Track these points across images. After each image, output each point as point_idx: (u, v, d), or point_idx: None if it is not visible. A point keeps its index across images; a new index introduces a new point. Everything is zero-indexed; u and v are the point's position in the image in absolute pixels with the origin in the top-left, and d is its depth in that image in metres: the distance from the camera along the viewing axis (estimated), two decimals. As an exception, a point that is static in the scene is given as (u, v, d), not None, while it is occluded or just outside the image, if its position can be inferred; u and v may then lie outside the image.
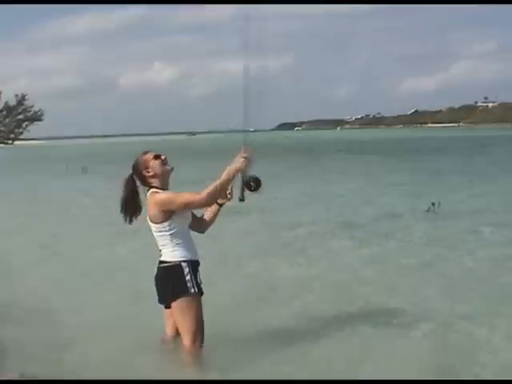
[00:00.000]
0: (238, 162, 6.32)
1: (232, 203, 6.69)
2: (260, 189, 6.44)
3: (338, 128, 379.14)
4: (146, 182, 6.52)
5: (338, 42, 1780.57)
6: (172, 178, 6.63)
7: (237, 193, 6.54)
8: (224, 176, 6.32)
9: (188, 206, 6.40)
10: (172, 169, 6.60)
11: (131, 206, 6.60)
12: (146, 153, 6.62)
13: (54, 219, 18.27)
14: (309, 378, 6.24)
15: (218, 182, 6.30)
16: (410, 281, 9.99)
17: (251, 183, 6.42)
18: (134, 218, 6.64)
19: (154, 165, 6.50)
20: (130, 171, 6.62)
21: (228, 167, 6.33)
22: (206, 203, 6.43)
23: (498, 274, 10.20)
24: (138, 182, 6.58)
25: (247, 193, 6.50)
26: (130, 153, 6.79)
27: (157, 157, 6.54)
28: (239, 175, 6.40)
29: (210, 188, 6.28)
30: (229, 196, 6.60)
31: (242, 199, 6.53)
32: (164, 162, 6.55)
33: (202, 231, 6.88)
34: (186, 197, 6.34)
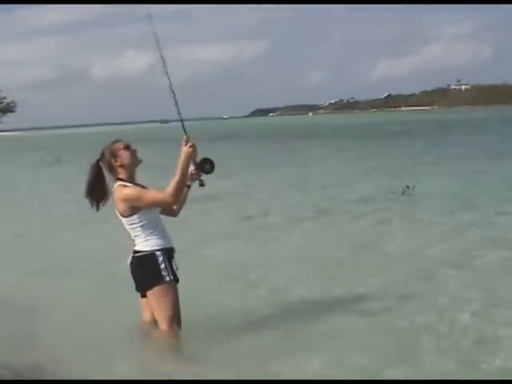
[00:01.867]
0: (186, 151, 6.29)
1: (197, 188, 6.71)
2: (214, 169, 6.51)
3: (310, 113, 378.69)
4: (113, 171, 6.48)
5: (312, 27, 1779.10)
6: (147, 165, 6.64)
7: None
8: (179, 170, 6.26)
9: (154, 205, 6.40)
10: (140, 161, 6.57)
11: (97, 192, 6.54)
12: (116, 142, 6.58)
13: (27, 210, 18.18)
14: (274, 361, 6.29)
15: (176, 179, 6.25)
16: (380, 262, 10.10)
17: (206, 166, 6.50)
18: (101, 205, 6.58)
19: (124, 155, 6.45)
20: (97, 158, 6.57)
21: (180, 160, 6.27)
22: (173, 201, 6.36)
23: (467, 254, 10.31)
24: (104, 170, 6.55)
25: (205, 176, 6.55)
26: (103, 142, 6.75)
27: (127, 147, 6.51)
28: (191, 164, 6.43)
29: (171, 186, 6.24)
30: (195, 176, 6.59)
31: (202, 184, 6.59)
32: (133, 154, 6.53)
33: (173, 215, 6.86)
34: (151, 196, 6.32)
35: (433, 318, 7.38)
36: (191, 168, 6.50)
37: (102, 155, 6.54)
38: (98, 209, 6.61)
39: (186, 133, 6.43)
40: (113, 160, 6.45)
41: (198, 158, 6.49)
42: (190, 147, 6.30)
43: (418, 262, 10.08)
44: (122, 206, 6.34)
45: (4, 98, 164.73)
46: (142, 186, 6.47)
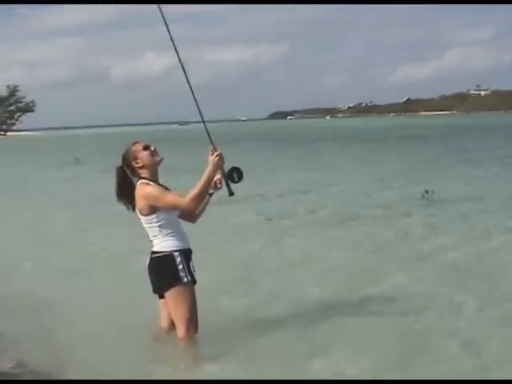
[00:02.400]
0: (213, 161, 6.38)
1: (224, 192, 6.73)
2: (243, 177, 6.57)
3: (328, 117, 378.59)
4: (135, 172, 6.52)
5: (332, 30, 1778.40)
6: (165, 167, 6.63)
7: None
8: (204, 178, 6.36)
9: (173, 208, 6.41)
10: (161, 159, 6.58)
11: (127, 194, 6.56)
12: (135, 143, 6.60)
13: (45, 210, 18.22)
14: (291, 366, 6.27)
15: (199, 186, 6.34)
16: (400, 267, 10.01)
17: (234, 175, 6.55)
18: (134, 205, 6.56)
19: (143, 156, 6.48)
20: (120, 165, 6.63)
21: (207, 169, 6.38)
22: (192, 207, 6.42)
23: (486, 259, 10.26)
24: (129, 173, 6.57)
25: (233, 185, 6.59)
26: (122, 143, 6.78)
27: (146, 148, 6.52)
28: (219, 173, 6.50)
29: (193, 192, 6.31)
30: (218, 186, 6.62)
31: (231, 193, 6.62)
32: (153, 153, 6.53)
33: (192, 221, 6.86)
34: (171, 199, 6.35)
35: (447, 322, 7.37)
36: (217, 176, 6.53)
37: (123, 159, 6.58)
38: (133, 209, 6.59)
39: (212, 142, 6.49)
40: (133, 162, 6.49)
41: (226, 167, 6.53)
42: (216, 156, 6.37)
43: (435, 266, 10.02)
44: (141, 204, 6.36)
45: (23, 97, 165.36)
46: (166, 188, 6.49)
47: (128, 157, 6.53)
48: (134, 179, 6.56)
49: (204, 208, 6.79)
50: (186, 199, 6.31)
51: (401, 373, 6.03)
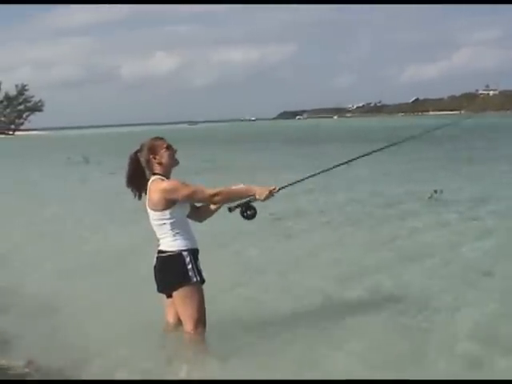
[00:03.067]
0: (264, 193, 6.50)
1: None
2: (252, 219, 6.66)
3: (335, 117, 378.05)
4: (150, 166, 6.51)
5: (341, 30, 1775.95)
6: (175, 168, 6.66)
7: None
8: (240, 190, 6.56)
9: (192, 197, 6.43)
10: (178, 163, 6.62)
11: (136, 182, 6.56)
12: (158, 139, 6.62)
13: (55, 209, 18.25)
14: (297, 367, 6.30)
15: (230, 191, 6.50)
16: (412, 267, 10.00)
17: (249, 212, 6.63)
18: (142, 194, 6.57)
19: (164, 154, 6.50)
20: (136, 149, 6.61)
21: (251, 188, 6.55)
22: (211, 199, 6.49)
23: (495, 259, 10.27)
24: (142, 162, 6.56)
25: (237, 213, 6.64)
26: (130, 142, 6.82)
27: (169, 147, 6.55)
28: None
29: (220, 191, 6.43)
30: (238, 207, 6.71)
31: (230, 210, 6.69)
32: (173, 154, 6.57)
33: (199, 221, 6.87)
34: (191, 189, 6.38)
35: (454, 321, 7.41)
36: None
37: (142, 149, 6.57)
38: (140, 198, 6.60)
39: (279, 189, 6.65)
40: (151, 156, 6.49)
41: (248, 200, 6.59)
42: (270, 192, 6.52)
43: (442, 266, 10.04)
44: (157, 198, 6.34)
45: (32, 96, 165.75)
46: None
47: (148, 149, 6.52)
48: (147, 172, 6.55)
49: (214, 212, 6.82)
50: (209, 191, 6.40)
51: (404, 372, 6.04)
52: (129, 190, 6.64)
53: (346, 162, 7.43)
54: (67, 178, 28.30)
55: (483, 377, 5.96)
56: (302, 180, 7.12)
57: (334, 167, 7.25)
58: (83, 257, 11.40)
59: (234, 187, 6.57)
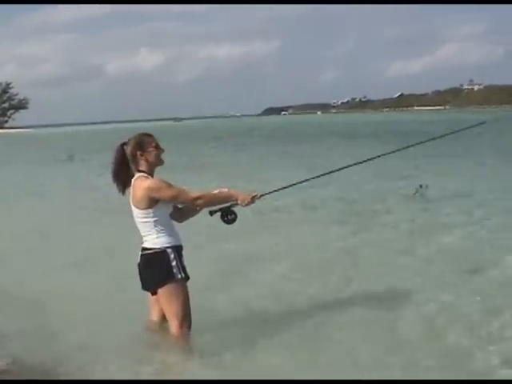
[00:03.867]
0: (246, 198, 6.56)
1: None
2: (232, 223, 6.70)
3: (319, 112, 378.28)
4: (135, 161, 6.46)
5: (326, 25, 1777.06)
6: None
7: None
8: (221, 196, 6.57)
9: (175, 199, 6.42)
10: (163, 163, 6.58)
11: (122, 176, 6.52)
12: (147, 135, 6.58)
13: (39, 207, 18.22)
14: (293, 365, 6.30)
15: (213, 196, 6.52)
16: (396, 263, 10.03)
17: (229, 217, 6.67)
18: (126, 189, 6.52)
19: (152, 152, 6.46)
20: (123, 141, 6.57)
21: (234, 193, 6.59)
22: (194, 202, 6.48)
23: (482, 256, 10.25)
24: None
25: (217, 216, 6.66)
26: (115, 139, 6.77)
27: (157, 147, 6.51)
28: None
29: (203, 194, 6.45)
30: (218, 211, 6.71)
31: (211, 214, 6.70)
32: (160, 154, 6.53)
33: (179, 221, 6.80)
34: (175, 190, 6.36)
35: (446, 318, 7.38)
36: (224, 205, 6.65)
37: (128, 142, 6.52)
38: (123, 193, 6.56)
39: (261, 195, 6.73)
40: (139, 152, 6.44)
41: (229, 205, 6.62)
42: (252, 199, 6.60)
43: (432, 262, 10.05)
44: (140, 196, 6.31)
45: (16, 94, 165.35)
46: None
47: (137, 143, 6.47)
48: (131, 166, 6.49)
49: (195, 214, 6.82)
50: (192, 194, 6.41)
51: (401, 371, 6.05)
52: (112, 186, 6.62)
53: (338, 170, 7.58)
54: (51, 176, 28.19)
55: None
56: (285, 188, 7.24)
57: (316, 177, 7.34)
58: (68, 253, 11.39)
59: (216, 191, 6.56)
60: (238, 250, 11.09)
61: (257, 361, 6.38)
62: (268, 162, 31.56)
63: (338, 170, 7.39)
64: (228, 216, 6.65)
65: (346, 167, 7.44)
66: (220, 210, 6.64)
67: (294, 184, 7.20)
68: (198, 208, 6.67)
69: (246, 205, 6.57)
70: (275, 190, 7.06)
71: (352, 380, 5.89)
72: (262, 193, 6.76)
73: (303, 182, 7.39)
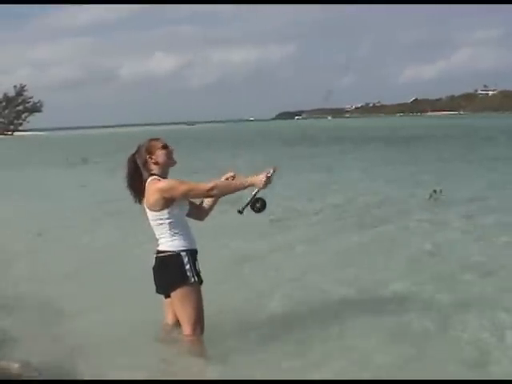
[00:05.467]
0: (261, 180, 6.33)
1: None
2: (263, 211, 6.47)
3: (329, 117, 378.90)
4: (147, 166, 6.47)
5: (340, 30, 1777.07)
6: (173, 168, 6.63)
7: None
8: (238, 184, 6.44)
9: (189, 193, 6.39)
10: (175, 162, 6.58)
11: (135, 186, 6.51)
12: (155, 139, 6.58)
13: (53, 209, 18.24)
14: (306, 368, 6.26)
15: (226, 184, 6.47)
16: (411, 267, 9.99)
17: (257, 205, 6.44)
18: (141, 198, 6.49)
19: (160, 153, 6.46)
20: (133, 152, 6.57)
21: (248, 179, 6.39)
22: (208, 194, 6.44)
23: (495, 259, 10.24)
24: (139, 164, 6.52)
25: (248, 210, 6.48)
26: (129, 143, 6.79)
27: (164, 147, 6.51)
28: (254, 189, 6.43)
29: (216, 184, 6.38)
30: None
31: (241, 212, 6.50)
32: (170, 154, 6.53)
33: (200, 219, 6.85)
34: (187, 185, 6.35)
35: (450, 323, 7.35)
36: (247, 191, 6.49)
37: (138, 151, 6.54)
38: (140, 202, 6.53)
39: (274, 170, 6.44)
40: (148, 156, 6.45)
41: (260, 196, 6.45)
42: (267, 178, 6.34)
43: (442, 266, 10.00)
44: (154, 198, 6.30)
45: (31, 97, 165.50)
46: None
47: (145, 150, 6.49)
48: (144, 173, 6.50)
49: (213, 206, 6.83)
50: (205, 186, 6.35)
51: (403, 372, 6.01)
52: (126, 192, 6.61)
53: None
54: (65, 179, 28.28)
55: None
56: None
57: None
58: (80, 257, 11.36)
59: (230, 182, 6.50)
60: (250, 255, 11.06)
61: (269, 364, 6.35)
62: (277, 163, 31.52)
63: None
64: (256, 205, 6.47)
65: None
66: (246, 205, 6.47)
67: None
68: (213, 198, 6.64)
69: (264, 186, 6.34)
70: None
71: (352, 380, 5.87)
72: (273, 168, 6.47)
73: None
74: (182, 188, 6.31)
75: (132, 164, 6.55)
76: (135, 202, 6.60)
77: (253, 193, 6.46)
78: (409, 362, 6.34)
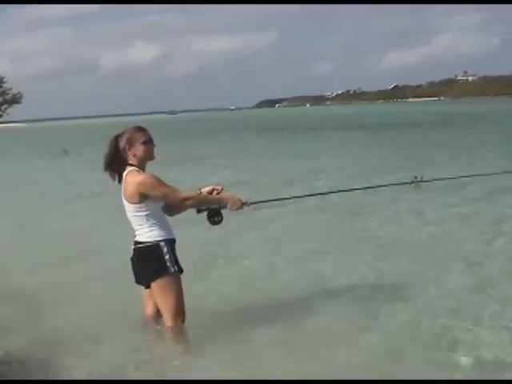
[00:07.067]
0: (235, 205, 6.62)
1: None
2: (219, 224, 6.71)
3: (307, 105, 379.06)
4: (124, 154, 6.43)
5: (320, 17, 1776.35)
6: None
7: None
8: (210, 199, 6.64)
9: (165, 197, 6.39)
10: (154, 158, 6.54)
11: (115, 166, 6.47)
12: (139, 130, 6.52)
13: (33, 201, 18.17)
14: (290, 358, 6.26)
15: (201, 198, 6.60)
16: (393, 252, 10.02)
17: (216, 218, 6.67)
18: (119, 177, 6.48)
19: (139, 147, 6.40)
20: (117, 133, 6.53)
21: (224, 197, 6.63)
22: (182, 203, 6.47)
23: (475, 247, 10.24)
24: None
25: (204, 215, 6.67)
26: (110, 133, 6.72)
27: (145, 142, 6.43)
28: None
29: (192, 196, 6.50)
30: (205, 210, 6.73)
31: (199, 212, 6.71)
32: (150, 150, 6.47)
33: (170, 214, 6.77)
34: (166, 190, 6.33)
35: (432, 315, 7.27)
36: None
37: (122, 134, 6.49)
38: (119, 181, 6.50)
39: (251, 203, 6.81)
40: (127, 147, 6.41)
41: (218, 207, 6.63)
42: (240, 206, 6.65)
43: (424, 254, 10.01)
44: (132, 190, 6.28)
45: (10, 88, 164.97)
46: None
47: (126, 139, 6.43)
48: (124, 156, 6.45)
49: (185, 210, 6.78)
50: (182, 194, 6.40)
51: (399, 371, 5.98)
52: (105, 179, 6.59)
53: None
54: (44, 170, 28.15)
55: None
56: (276, 200, 7.79)
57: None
58: (60, 246, 11.37)
59: (208, 188, 6.67)
60: (233, 243, 11.10)
61: (250, 353, 6.34)
62: (258, 150, 31.49)
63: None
64: (215, 217, 6.65)
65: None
66: (208, 210, 6.64)
67: (285, 198, 7.54)
68: (183, 207, 6.64)
69: (234, 210, 6.61)
70: (265, 201, 7.48)
71: (352, 380, 5.79)
72: (252, 201, 6.81)
73: (294, 197, 8.48)
74: (159, 191, 6.30)
75: (113, 145, 6.48)
76: (114, 180, 6.56)
77: (220, 206, 6.61)
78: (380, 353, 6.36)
